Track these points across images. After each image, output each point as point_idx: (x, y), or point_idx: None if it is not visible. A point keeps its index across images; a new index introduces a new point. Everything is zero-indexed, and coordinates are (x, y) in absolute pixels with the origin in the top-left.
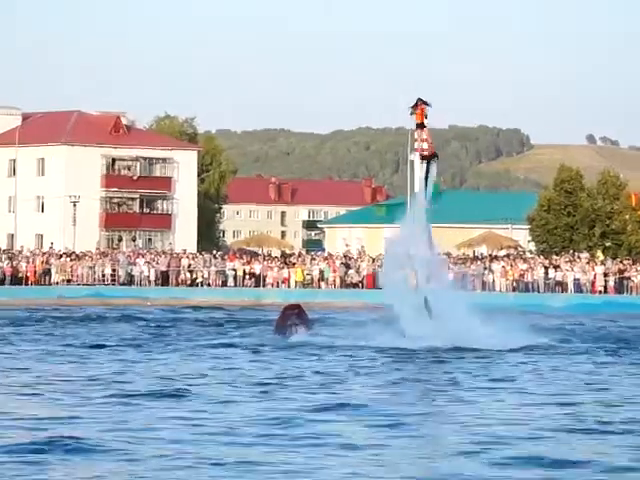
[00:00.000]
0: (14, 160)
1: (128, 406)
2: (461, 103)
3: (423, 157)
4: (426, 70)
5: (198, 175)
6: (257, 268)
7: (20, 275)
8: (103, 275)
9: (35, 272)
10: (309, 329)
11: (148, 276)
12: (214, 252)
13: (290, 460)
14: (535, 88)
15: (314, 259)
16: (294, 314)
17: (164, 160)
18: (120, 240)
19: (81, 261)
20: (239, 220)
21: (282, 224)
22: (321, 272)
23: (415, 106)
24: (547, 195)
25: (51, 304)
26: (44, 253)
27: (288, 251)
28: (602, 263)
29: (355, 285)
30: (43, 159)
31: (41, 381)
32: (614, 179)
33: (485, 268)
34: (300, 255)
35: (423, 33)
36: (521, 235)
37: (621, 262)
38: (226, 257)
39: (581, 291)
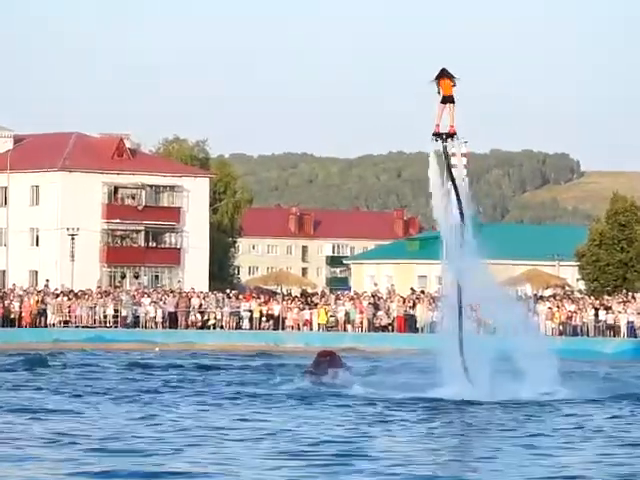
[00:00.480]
0: (5, 188)
1: None
2: (503, 125)
3: (438, 134)
4: (464, 87)
5: (210, 205)
6: (275, 309)
7: (12, 316)
8: (104, 316)
9: (29, 313)
10: (348, 377)
11: (154, 317)
12: (228, 291)
13: None
14: (585, 108)
15: (339, 299)
16: (329, 361)
17: (172, 188)
18: (123, 277)
19: (80, 301)
20: (255, 255)
21: (303, 260)
22: (347, 314)
23: (440, 78)
24: (599, 228)
25: (47, 348)
26: (39, 292)
27: (310, 290)
28: None
29: (384, 328)
30: (37, 187)
31: None
32: None
33: (529, 310)
34: (323, 295)
35: (460, 49)
36: (569, 273)
37: None
38: (241, 297)
39: (635, 336)
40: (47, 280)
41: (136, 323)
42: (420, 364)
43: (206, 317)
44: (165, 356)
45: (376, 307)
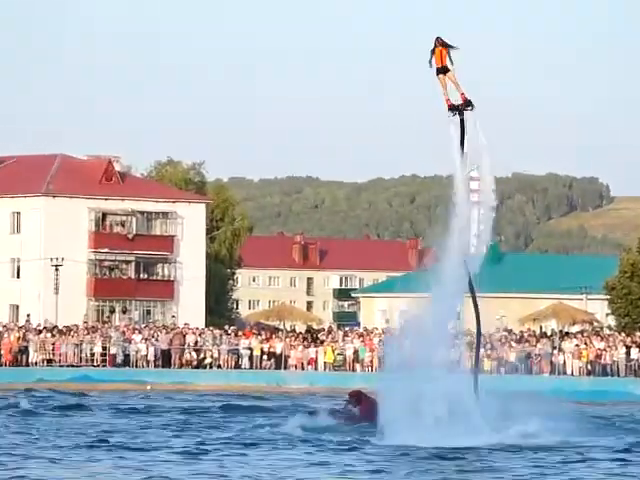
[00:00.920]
0: None
1: None
2: (526, 147)
3: (452, 107)
4: (483, 107)
5: (207, 233)
6: (278, 347)
7: None
8: (92, 354)
9: (9, 350)
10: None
11: (146, 356)
12: (226, 327)
13: None
14: (616, 129)
15: (347, 336)
16: (361, 401)
17: (165, 215)
18: (112, 312)
19: (65, 337)
20: (256, 288)
21: (308, 293)
22: (355, 352)
23: (435, 48)
24: (630, 258)
25: (28, 389)
26: (20, 327)
27: (315, 326)
28: None
29: None
30: (19, 213)
31: None
32: None
33: (554, 347)
34: (330, 331)
35: (477, 68)
36: (598, 307)
37: None
38: (240, 333)
39: None
40: (28, 315)
41: (126, 362)
42: None
43: (202, 355)
44: (154, 397)
45: None
